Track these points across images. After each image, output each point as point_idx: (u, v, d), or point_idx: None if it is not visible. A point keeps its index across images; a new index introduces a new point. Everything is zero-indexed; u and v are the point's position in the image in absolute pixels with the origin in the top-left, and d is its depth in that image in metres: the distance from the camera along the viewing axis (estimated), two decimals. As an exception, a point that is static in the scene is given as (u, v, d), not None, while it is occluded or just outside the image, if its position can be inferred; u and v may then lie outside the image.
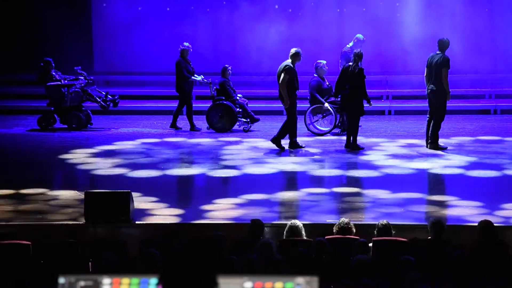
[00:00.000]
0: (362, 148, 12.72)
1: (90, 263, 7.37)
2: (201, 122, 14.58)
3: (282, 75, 12.57)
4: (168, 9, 18.32)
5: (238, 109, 14.30)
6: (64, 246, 8.17)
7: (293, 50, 12.71)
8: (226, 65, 14.49)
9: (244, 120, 14.36)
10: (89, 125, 14.66)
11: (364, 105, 12.82)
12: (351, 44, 14.78)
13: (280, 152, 12.63)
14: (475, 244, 7.68)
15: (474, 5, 18.04)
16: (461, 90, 16.36)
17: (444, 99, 12.48)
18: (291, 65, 12.61)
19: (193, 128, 14.41)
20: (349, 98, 12.70)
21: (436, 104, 12.53)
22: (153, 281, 3.80)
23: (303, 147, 12.79)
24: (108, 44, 18.23)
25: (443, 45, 12.58)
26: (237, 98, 14.46)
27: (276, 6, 18.08)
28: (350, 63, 12.81)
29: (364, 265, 7.00)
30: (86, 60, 17.54)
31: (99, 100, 14.69)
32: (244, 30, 18.10)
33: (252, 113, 14.44)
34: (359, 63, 12.68)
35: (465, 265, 7.02)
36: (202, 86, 14.76)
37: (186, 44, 14.59)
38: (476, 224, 7.87)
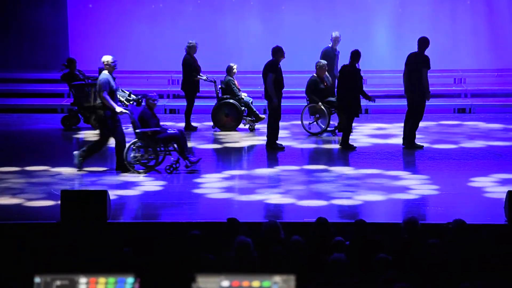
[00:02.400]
0: (354, 148, 12.69)
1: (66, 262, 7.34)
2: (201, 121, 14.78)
3: (268, 74, 12.55)
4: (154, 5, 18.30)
5: (243, 108, 14.30)
6: (40, 245, 8.13)
7: (274, 47, 12.70)
8: (232, 64, 14.48)
9: (250, 118, 14.39)
10: None
11: (368, 102, 12.84)
12: (332, 44, 14.63)
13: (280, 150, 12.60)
14: (448, 243, 7.74)
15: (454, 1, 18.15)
16: (437, 88, 16.49)
17: (423, 99, 12.53)
18: (276, 63, 12.60)
19: (189, 127, 14.42)
20: (345, 99, 12.64)
21: (416, 103, 12.57)
22: (129, 280, 3.79)
23: (283, 149, 12.71)
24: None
25: (423, 44, 12.57)
26: (242, 96, 14.45)
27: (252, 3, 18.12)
28: (346, 63, 12.72)
29: (340, 264, 7.02)
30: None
31: (122, 99, 14.76)
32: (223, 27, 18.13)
33: (258, 112, 14.48)
34: (357, 63, 12.63)
35: (439, 263, 7.06)
36: (207, 84, 14.70)
37: (192, 41, 14.47)
38: (450, 222, 7.94)
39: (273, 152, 12.61)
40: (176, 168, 11.30)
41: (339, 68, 13.87)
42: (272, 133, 12.67)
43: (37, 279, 3.69)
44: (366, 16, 18.04)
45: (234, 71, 14.50)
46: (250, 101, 14.58)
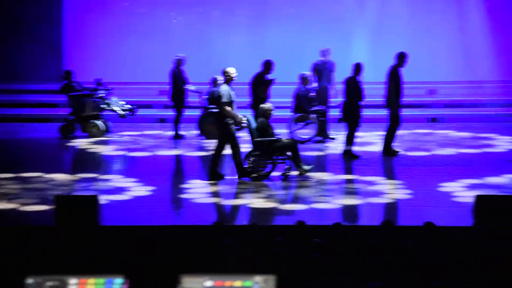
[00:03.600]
0: (358, 157, 12.65)
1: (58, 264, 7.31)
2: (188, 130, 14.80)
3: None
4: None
5: None
6: (33, 247, 8.10)
7: (265, 61, 12.74)
8: (217, 75, 14.53)
9: (235, 127, 14.40)
10: (107, 133, 14.79)
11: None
12: (322, 57, 14.61)
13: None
14: (423, 244, 7.78)
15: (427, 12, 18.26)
16: (412, 99, 16.57)
17: (396, 109, 12.59)
18: (262, 75, 12.61)
19: (177, 135, 14.46)
20: (347, 110, 12.63)
21: (391, 113, 12.64)
22: (118, 281, 3.79)
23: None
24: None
25: (398, 58, 12.66)
26: None
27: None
28: (350, 76, 12.71)
29: (319, 265, 7.03)
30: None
31: (117, 109, 14.80)
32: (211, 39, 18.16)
33: None
34: (358, 75, 12.65)
35: (413, 264, 7.08)
36: (194, 95, 14.74)
37: (180, 54, 14.52)
38: (422, 224, 7.99)
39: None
40: (288, 175, 11.20)
41: (333, 79, 13.98)
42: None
43: (29, 280, 3.68)
44: (345, 30, 18.12)
45: (219, 82, 14.54)
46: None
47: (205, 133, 14.44)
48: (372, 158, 12.75)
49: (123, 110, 14.88)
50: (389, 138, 12.73)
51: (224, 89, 11.28)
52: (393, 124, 12.69)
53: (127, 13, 18.29)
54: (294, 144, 11.35)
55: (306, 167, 11.28)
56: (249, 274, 5.15)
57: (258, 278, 3.65)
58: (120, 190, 10.87)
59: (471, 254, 7.56)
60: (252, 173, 11.15)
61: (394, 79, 12.55)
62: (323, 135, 14.03)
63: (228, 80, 11.40)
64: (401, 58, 12.62)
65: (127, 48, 18.18)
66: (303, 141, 13.88)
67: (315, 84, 14.07)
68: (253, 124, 11.34)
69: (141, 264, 7.05)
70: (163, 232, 8.75)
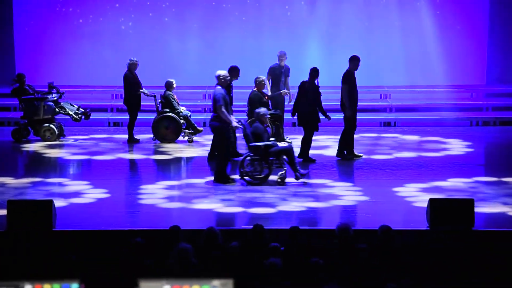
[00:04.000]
0: (314, 161, 12.64)
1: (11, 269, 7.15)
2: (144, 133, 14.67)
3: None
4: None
5: (182, 121, 14.24)
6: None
7: (230, 68, 12.64)
8: (171, 79, 14.45)
9: (188, 131, 14.37)
10: (61, 137, 14.52)
11: (321, 118, 12.76)
12: (278, 61, 14.54)
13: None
14: (377, 247, 7.82)
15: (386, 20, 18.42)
16: (365, 103, 16.70)
17: (349, 113, 12.65)
18: (222, 92, 12.48)
19: (131, 139, 14.32)
20: (306, 113, 12.58)
21: (345, 117, 12.70)
22: (74, 286, 3.70)
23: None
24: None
25: (350, 61, 12.73)
26: (181, 110, 14.41)
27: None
28: (305, 80, 12.67)
29: (276, 268, 7.00)
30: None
31: (71, 113, 14.55)
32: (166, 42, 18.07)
33: (196, 124, 14.46)
34: (316, 80, 12.63)
35: (368, 266, 7.11)
36: (148, 98, 14.61)
37: (133, 58, 14.41)
38: (377, 229, 8.03)
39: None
40: (284, 180, 11.11)
41: (288, 83, 14.01)
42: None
43: (-17, 286, 3.56)
44: (298, 34, 18.19)
45: (173, 86, 14.49)
46: (189, 115, 14.61)
47: (159, 137, 14.37)
48: (328, 162, 12.79)
49: (77, 114, 14.69)
50: (343, 141, 12.78)
51: (219, 92, 11.16)
52: (347, 127, 12.75)
53: (77, 17, 18.08)
54: (290, 149, 11.25)
55: (302, 172, 11.24)
56: (207, 278, 5.10)
57: (216, 282, 3.60)
58: (75, 194, 10.71)
59: (427, 255, 7.62)
60: (247, 177, 11.08)
61: (347, 83, 12.62)
62: (279, 139, 14.03)
63: (223, 83, 11.29)
64: (354, 61, 12.70)
65: (79, 52, 17.98)
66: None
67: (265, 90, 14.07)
68: (248, 129, 11.22)
69: (97, 269, 6.93)
70: (119, 236, 8.63)
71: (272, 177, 11.23)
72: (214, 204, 10.23)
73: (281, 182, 11.13)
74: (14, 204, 8.91)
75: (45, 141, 14.32)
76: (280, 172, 11.17)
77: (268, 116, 11.61)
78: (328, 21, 18.26)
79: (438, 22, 18.40)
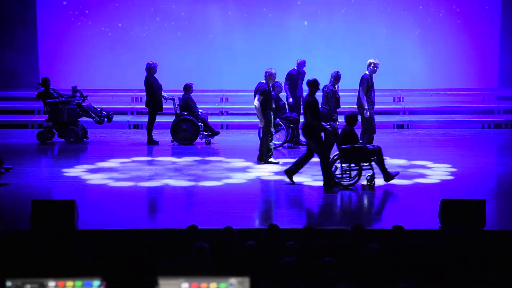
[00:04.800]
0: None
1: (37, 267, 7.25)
2: (163, 136, 14.71)
3: (257, 95, 12.52)
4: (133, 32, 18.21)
5: (200, 123, 14.36)
6: (12, 251, 8.02)
7: (267, 71, 12.66)
8: (189, 83, 14.53)
9: (206, 133, 14.44)
10: (84, 139, 14.65)
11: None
12: (297, 67, 14.51)
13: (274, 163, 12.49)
14: (389, 246, 7.84)
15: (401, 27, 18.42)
16: (379, 106, 16.67)
17: (365, 115, 12.64)
18: (265, 87, 12.54)
19: (151, 141, 14.42)
20: (326, 118, 12.39)
21: (362, 119, 12.69)
22: (95, 283, 3.77)
23: (277, 163, 12.58)
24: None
25: (368, 66, 12.73)
26: (199, 113, 14.50)
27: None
28: (328, 83, 12.63)
29: (290, 267, 7.05)
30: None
31: (94, 115, 14.68)
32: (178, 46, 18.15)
33: (213, 127, 14.55)
34: (336, 85, 12.60)
35: (379, 265, 7.13)
36: (167, 101, 14.68)
37: (152, 62, 14.49)
38: (391, 228, 8.05)
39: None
40: (373, 182, 10.91)
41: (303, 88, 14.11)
42: (266, 148, 12.62)
43: (8, 283, 3.64)
44: (310, 39, 18.21)
45: (191, 89, 14.58)
46: (206, 117, 14.68)
47: (178, 139, 14.46)
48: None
49: (100, 117, 14.82)
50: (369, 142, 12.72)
51: (311, 98, 10.97)
52: (364, 127, 12.70)
53: (98, 23, 18.21)
54: (379, 151, 11.06)
55: (392, 173, 11.09)
56: (224, 276, 5.14)
57: (232, 280, 3.65)
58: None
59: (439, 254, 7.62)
60: (339, 180, 10.95)
61: (363, 86, 12.64)
62: (295, 141, 14.08)
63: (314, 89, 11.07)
64: (371, 65, 12.72)
65: (100, 56, 18.09)
66: (275, 147, 13.88)
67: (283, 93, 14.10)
68: (338, 132, 11.10)
69: (118, 266, 7.01)
70: (140, 235, 8.70)
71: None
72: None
73: (370, 184, 10.94)
74: (38, 204, 9.01)
75: (68, 143, 14.46)
76: (368, 174, 10.97)
77: (358, 119, 11.32)
78: (345, 26, 18.24)
79: (451, 27, 18.35)
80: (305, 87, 11.86)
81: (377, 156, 11.03)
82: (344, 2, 18.28)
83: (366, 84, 12.62)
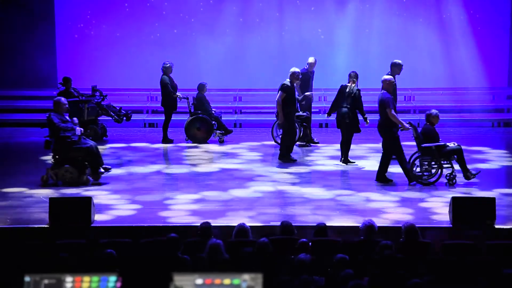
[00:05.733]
0: (354, 163, 12.40)
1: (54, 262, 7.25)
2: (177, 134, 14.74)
3: (279, 92, 12.49)
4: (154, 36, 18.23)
5: (213, 122, 14.36)
6: (30, 247, 8.04)
7: (291, 71, 12.57)
8: (203, 82, 14.53)
9: (219, 132, 14.44)
10: (104, 137, 14.72)
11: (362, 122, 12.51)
12: (308, 67, 14.46)
13: (292, 161, 12.45)
14: (401, 244, 7.80)
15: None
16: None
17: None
18: (289, 84, 12.50)
19: (166, 140, 14.44)
20: (348, 116, 12.30)
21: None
22: (112, 278, 3.75)
23: (295, 161, 12.57)
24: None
25: (392, 66, 12.54)
26: (213, 112, 14.48)
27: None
28: (347, 84, 12.48)
29: (304, 263, 7.02)
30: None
31: (113, 114, 14.73)
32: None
33: (226, 125, 14.53)
34: (356, 83, 12.50)
35: (392, 263, 7.08)
36: (182, 100, 14.69)
37: (168, 62, 14.49)
38: (401, 226, 8.02)
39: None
40: (454, 180, 10.83)
41: (313, 87, 14.02)
42: (287, 147, 12.56)
43: (27, 278, 3.63)
44: (329, 40, 18.16)
45: (205, 88, 14.58)
46: (220, 116, 14.66)
47: (192, 137, 14.45)
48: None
49: (119, 115, 14.87)
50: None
51: (386, 96, 10.94)
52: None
53: (112, 25, 18.24)
54: (460, 149, 10.91)
55: (473, 172, 10.95)
56: (238, 272, 5.12)
57: (246, 276, 3.62)
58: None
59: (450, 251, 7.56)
60: (420, 177, 10.87)
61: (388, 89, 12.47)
62: (307, 139, 14.03)
63: (389, 88, 11.07)
64: (396, 66, 12.59)
65: (116, 56, 18.12)
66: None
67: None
68: (419, 130, 10.99)
69: (134, 262, 7.00)
70: (154, 232, 8.70)
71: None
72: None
73: (451, 183, 10.84)
74: (56, 201, 9.03)
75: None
76: (449, 172, 10.87)
77: (439, 118, 11.21)
78: (356, 26, 18.17)
79: (461, 26, 18.24)
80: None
81: (458, 154, 10.87)
82: (355, 1, 18.21)
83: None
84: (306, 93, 13.94)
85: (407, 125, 10.97)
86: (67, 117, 11.32)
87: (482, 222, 8.91)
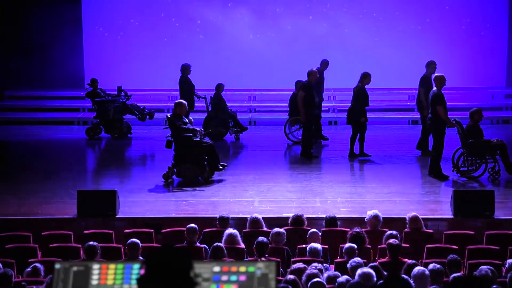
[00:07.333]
0: (369, 155, 12.29)
1: (81, 251, 7.28)
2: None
3: (299, 92, 12.46)
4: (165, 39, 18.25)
5: (229, 120, 14.37)
6: (60, 237, 8.08)
7: (309, 70, 12.52)
8: (221, 82, 14.53)
9: (235, 129, 14.45)
10: (129, 135, 14.77)
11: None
12: (323, 68, 14.41)
13: (314, 157, 12.32)
14: (406, 233, 7.78)
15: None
16: (395, 104, 16.54)
17: (427, 112, 12.21)
18: (309, 83, 12.44)
19: None
20: (355, 113, 12.27)
21: (421, 117, 12.33)
22: (136, 266, 3.76)
23: (317, 157, 12.47)
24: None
25: (427, 66, 12.45)
26: (229, 110, 14.47)
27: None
28: (357, 85, 12.39)
29: (316, 252, 7.02)
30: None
31: (137, 113, 14.82)
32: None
33: (242, 123, 14.55)
34: (362, 82, 12.37)
35: (398, 250, 7.07)
36: (200, 100, 14.69)
37: (186, 64, 14.50)
38: (406, 216, 8.00)
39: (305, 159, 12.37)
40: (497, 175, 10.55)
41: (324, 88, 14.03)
42: (308, 143, 12.45)
43: (57, 265, 3.65)
44: (332, 42, 18.10)
45: (222, 88, 14.57)
46: (236, 114, 14.65)
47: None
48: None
49: (143, 114, 14.95)
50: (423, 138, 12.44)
51: (436, 93, 10.79)
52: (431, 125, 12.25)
53: (136, 25, 18.27)
54: (504, 145, 10.66)
55: None
56: (253, 260, 5.14)
57: (260, 264, 3.62)
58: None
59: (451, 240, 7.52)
60: (465, 172, 10.69)
61: (424, 86, 12.40)
62: (317, 136, 13.97)
63: (439, 85, 10.87)
64: (431, 66, 12.51)
65: (139, 57, 18.13)
66: (299, 142, 13.81)
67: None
68: (462, 127, 10.82)
69: (157, 251, 7.00)
70: (175, 222, 8.71)
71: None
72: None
73: (494, 177, 10.61)
74: (83, 194, 9.06)
75: (114, 138, 14.61)
76: (491, 167, 10.64)
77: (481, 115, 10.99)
78: (359, 26, 18.09)
79: (460, 27, 18.12)
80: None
81: (502, 150, 10.72)
82: (364, 2, 18.13)
83: (426, 86, 12.38)
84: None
85: (453, 122, 10.84)
86: (185, 119, 11.11)
87: (482, 213, 8.86)
